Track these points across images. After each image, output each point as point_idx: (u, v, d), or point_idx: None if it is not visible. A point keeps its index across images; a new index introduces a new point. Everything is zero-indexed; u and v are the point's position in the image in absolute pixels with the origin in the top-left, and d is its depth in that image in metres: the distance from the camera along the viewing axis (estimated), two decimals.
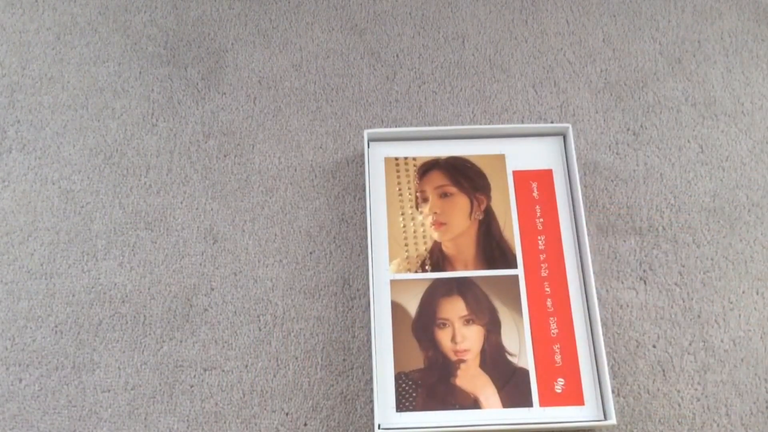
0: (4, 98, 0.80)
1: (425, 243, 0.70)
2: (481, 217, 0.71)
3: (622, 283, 0.71)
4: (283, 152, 0.77)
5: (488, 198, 0.72)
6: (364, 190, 0.74)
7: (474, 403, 0.64)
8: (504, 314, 0.67)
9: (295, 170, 0.76)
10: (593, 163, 0.76)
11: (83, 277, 0.71)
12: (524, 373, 0.65)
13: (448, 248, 0.69)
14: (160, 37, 0.83)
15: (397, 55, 0.82)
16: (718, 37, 0.83)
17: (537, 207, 0.71)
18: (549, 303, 0.67)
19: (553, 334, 0.66)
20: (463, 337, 0.66)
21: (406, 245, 0.70)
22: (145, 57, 0.82)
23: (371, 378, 0.67)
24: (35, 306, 0.70)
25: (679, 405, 0.66)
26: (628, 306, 0.70)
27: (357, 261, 0.72)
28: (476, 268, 0.69)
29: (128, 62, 0.82)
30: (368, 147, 0.73)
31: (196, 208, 0.74)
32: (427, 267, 0.69)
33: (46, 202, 0.75)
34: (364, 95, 0.80)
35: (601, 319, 0.68)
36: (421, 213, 0.71)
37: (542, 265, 0.69)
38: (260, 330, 0.69)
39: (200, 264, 0.71)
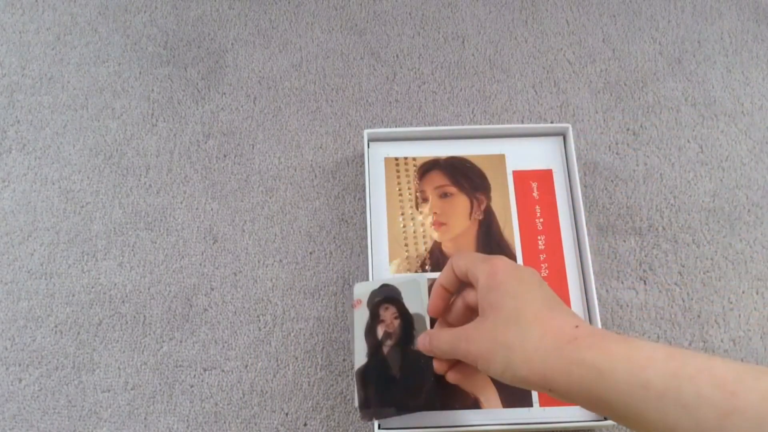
0: (4, 98, 0.80)
1: (425, 243, 0.70)
2: (481, 217, 0.71)
3: (622, 283, 0.71)
4: (283, 152, 0.77)
5: (488, 198, 0.72)
6: (364, 190, 0.74)
7: (474, 403, 0.63)
8: None
9: (295, 170, 0.76)
10: (593, 163, 0.76)
11: (83, 277, 0.71)
12: None
13: (448, 248, 0.69)
14: (160, 37, 0.83)
15: (397, 55, 0.82)
16: (718, 37, 0.83)
17: (537, 207, 0.71)
18: None
19: None
20: None
21: (406, 245, 0.70)
22: (145, 57, 0.82)
23: None
24: (35, 306, 0.70)
25: None
26: (628, 306, 0.70)
27: (357, 261, 0.72)
28: None
29: (128, 62, 0.82)
30: (368, 147, 0.73)
31: (196, 208, 0.74)
32: (427, 267, 0.69)
33: (46, 202, 0.74)
34: (364, 95, 0.80)
35: (601, 319, 0.68)
36: (421, 213, 0.71)
37: (542, 265, 0.69)
38: (260, 330, 0.69)
39: (200, 264, 0.71)
